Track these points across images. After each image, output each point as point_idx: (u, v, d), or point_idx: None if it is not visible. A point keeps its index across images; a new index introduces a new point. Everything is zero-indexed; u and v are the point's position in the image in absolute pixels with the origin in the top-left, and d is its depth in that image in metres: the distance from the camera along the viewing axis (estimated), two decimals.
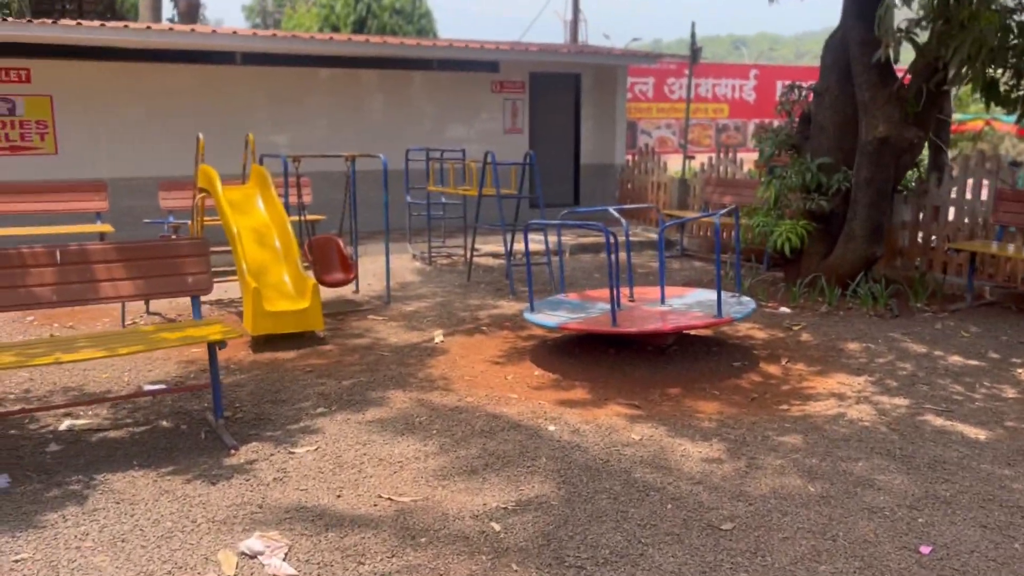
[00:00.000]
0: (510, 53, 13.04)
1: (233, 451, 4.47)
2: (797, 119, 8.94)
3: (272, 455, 4.43)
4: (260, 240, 7.33)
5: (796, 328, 7.15)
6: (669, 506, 3.82)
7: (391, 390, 5.53)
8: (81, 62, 10.75)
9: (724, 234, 10.24)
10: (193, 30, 11.36)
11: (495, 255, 10.79)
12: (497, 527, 3.62)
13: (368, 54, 12.39)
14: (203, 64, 11.48)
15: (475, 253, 9.77)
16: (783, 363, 6.13)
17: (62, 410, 5.07)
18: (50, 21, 10.43)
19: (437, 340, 6.79)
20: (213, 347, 4.61)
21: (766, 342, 6.71)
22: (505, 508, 3.80)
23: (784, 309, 7.82)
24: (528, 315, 6.36)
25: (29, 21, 10.44)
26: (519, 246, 9.44)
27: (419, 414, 5.05)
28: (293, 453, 4.46)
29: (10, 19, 11.46)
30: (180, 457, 4.41)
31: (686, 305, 6.56)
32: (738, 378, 5.78)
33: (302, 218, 8.12)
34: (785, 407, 5.19)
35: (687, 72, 17.27)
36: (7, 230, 8.91)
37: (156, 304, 7.96)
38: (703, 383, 5.66)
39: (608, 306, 6.28)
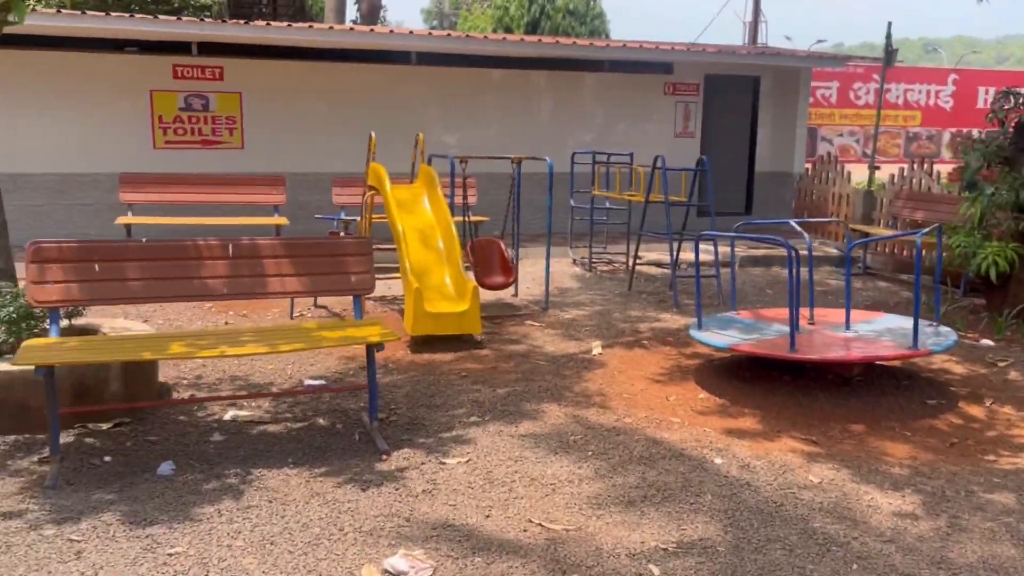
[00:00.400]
0: (686, 54, 12.55)
1: (385, 456, 4.38)
2: (1011, 129, 7.98)
3: (423, 464, 4.30)
4: (424, 240, 7.32)
5: (1002, 364, 6.33)
6: (855, 566, 3.36)
7: (546, 403, 5.30)
8: (269, 61, 11.25)
9: (908, 253, 9.29)
10: (372, 30, 11.65)
11: (658, 264, 10.38)
12: (656, 571, 3.30)
13: (540, 55, 12.28)
14: (380, 64, 11.75)
15: (638, 261, 9.41)
16: (987, 404, 5.41)
17: (227, 400, 5.19)
18: (243, 22, 10.98)
19: (595, 352, 6.51)
20: (371, 349, 4.55)
21: (965, 378, 5.97)
22: (665, 549, 3.47)
23: (986, 341, 6.98)
24: (695, 333, 5.96)
25: (224, 22, 11.03)
26: (684, 256, 9.01)
27: (574, 432, 4.80)
28: (444, 464, 4.32)
29: (208, 20, 12.19)
30: (333, 458, 4.37)
31: (875, 332, 5.94)
32: (933, 418, 5.14)
33: (466, 219, 8.07)
34: (992, 457, 4.54)
35: (876, 76, 16.09)
36: (195, 219, 9.43)
37: (323, 297, 8.14)
38: (891, 421, 5.07)
39: (784, 328, 5.78)
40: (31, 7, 11.24)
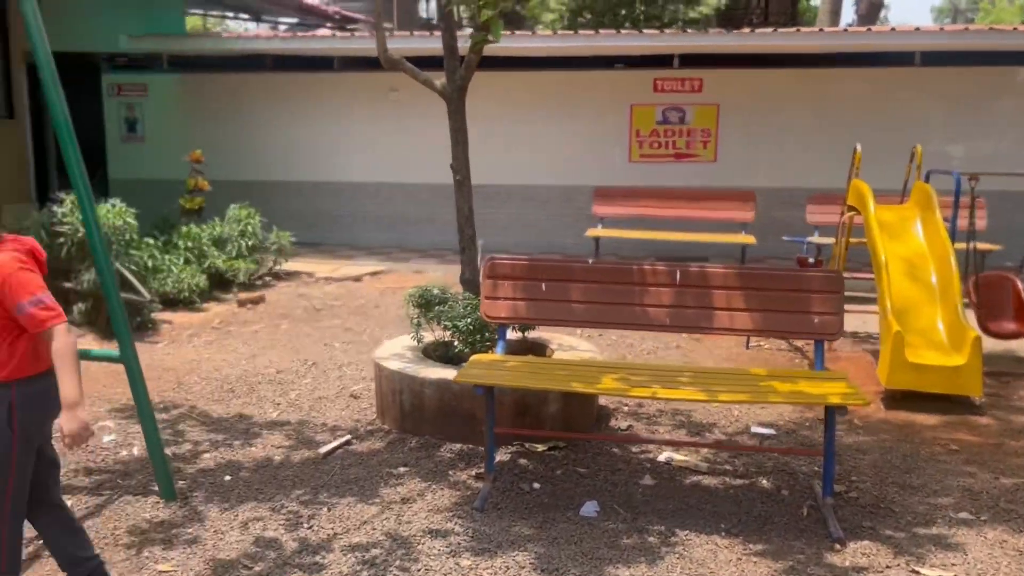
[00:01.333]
0: None
1: (838, 546, 3.54)
2: None
3: (888, 568, 3.37)
4: (911, 273, 6.12)
5: None
6: None
7: None
8: (748, 70, 10.68)
9: None
10: (870, 30, 10.41)
11: None
12: None
13: None
14: (871, 68, 10.43)
15: None
16: None
17: (663, 443, 4.78)
18: (725, 31, 10.61)
19: None
20: (832, 411, 3.73)
21: None
22: None
23: None
24: None
25: (706, 31, 10.78)
26: None
27: None
28: (916, 574, 3.33)
29: (690, 31, 12.07)
30: (773, 534, 3.66)
31: None
32: None
33: (970, 247, 6.60)
34: None
35: None
36: (660, 234, 9.34)
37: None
38: None
39: None
40: (535, 30, 12.26)
